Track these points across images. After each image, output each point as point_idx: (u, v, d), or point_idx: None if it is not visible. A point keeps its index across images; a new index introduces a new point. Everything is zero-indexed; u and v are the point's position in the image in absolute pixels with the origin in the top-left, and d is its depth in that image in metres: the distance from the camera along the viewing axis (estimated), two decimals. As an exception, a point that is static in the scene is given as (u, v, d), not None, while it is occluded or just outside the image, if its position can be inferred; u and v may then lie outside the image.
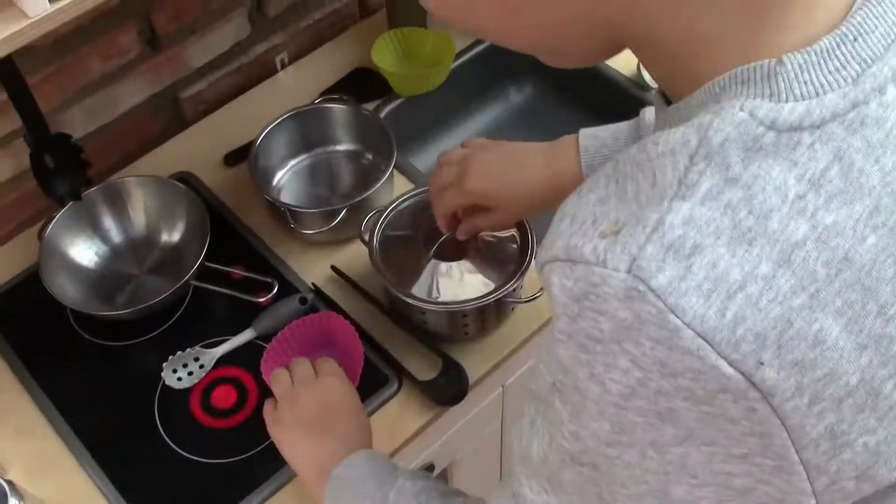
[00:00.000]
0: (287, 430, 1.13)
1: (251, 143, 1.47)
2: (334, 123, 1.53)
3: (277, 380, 1.17)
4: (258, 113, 1.59)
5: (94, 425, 1.30)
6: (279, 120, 1.49)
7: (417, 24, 1.66)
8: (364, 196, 1.39)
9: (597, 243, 0.61)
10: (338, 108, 1.53)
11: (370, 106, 1.61)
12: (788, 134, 0.59)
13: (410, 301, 1.28)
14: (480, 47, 1.71)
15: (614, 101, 1.66)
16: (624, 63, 1.67)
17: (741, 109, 0.59)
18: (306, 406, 1.13)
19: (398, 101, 1.64)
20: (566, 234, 0.64)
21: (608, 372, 0.61)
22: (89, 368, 1.37)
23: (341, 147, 1.56)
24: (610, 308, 0.59)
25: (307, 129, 1.53)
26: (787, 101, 0.59)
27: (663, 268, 0.57)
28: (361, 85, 1.63)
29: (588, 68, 1.64)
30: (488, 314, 1.33)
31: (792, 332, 0.57)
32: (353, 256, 1.44)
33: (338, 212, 1.39)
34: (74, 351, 1.38)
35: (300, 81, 1.71)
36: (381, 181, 1.41)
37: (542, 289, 1.30)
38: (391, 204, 1.35)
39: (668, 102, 0.69)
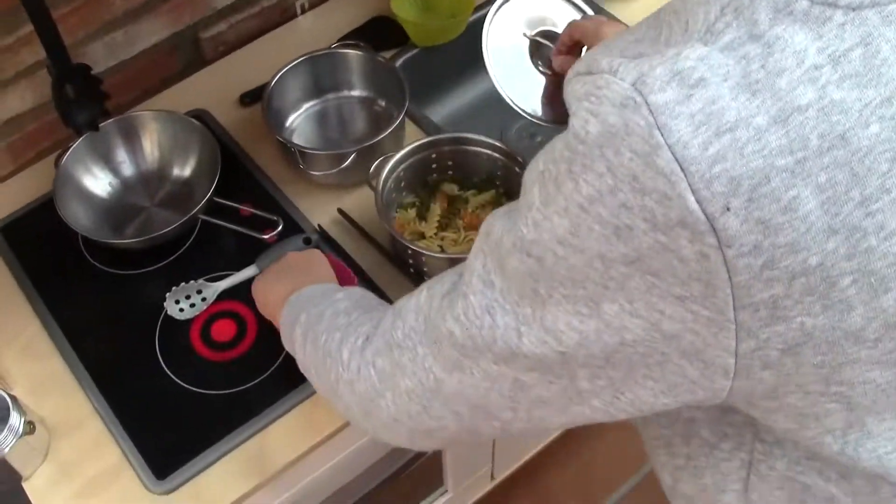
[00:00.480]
0: (262, 281, 1.23)
1: (266, 85, 1.49)
2: (349, 69, 1.55)
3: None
4: (276, 56, 1.61)
5: (96, 350, 1.34)
6: (294, 63, 1.51)
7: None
8: (374, 141, 1.41)
9: (614, 58, 0.63)
10: (353, 54, 1.54)
11: (387, 55, 1.62)
12: (821, 7, 0.60)
13: (413, 248, 1.30)
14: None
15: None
16: None
17: None
18: (283, 262, 1.23)
19: (414, 52, 1.64)
20: (592, 55, 0.66)
21: (584, 172, 0.63)
22: (96, 295, 1.40)
23: (355, 93, 1.58)
24: (603, 111, 0.62)
25: (321, 73, 1.54)
26: None
27: (665, 88, 0.60)
28: (379, 33, 1.64)
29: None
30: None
31: (767, 188, 0.58)
32: (361, 201, 1.46)
33: (346, 155, 1.40)
34: (83, 277, 1.41)
35: (319, 27, 1.72)
36: (392, 127, 1.42)
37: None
38: (401, 151, 1.37)
39: None
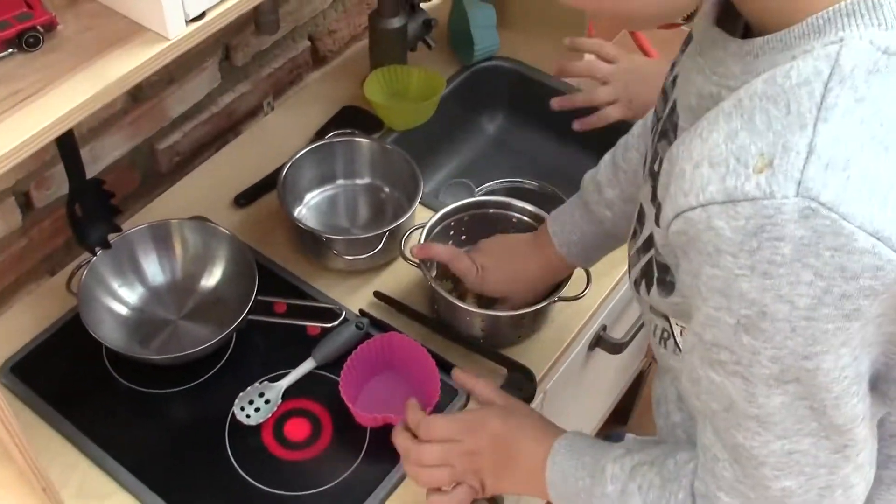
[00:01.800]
0: (497, 479, 1.12)
1: (277, 174, 1.46)
2: (355, 157, 1.54)
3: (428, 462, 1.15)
4: (253, 156, 1.60)
5: (164, 476, 1.24)
6: (302, 153, 1.48)
7: (398, 62, 1.69)
8: (405, 218, 1.40)
9: (757, 179, 0.67)
10: (355, 142, 1.54)
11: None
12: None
13: (475, 311, 1.30)
14: (455, 83, 1.75)
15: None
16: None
17: (861, 38, 0.68)
18: (482, 451, 1.12)
19: (393, 136, 1.65)
20: (714, 179, 0.69)
21: (794, 289, 0.67)
22: (144, 417, 1.30)
23: (361, 180, 1.56)
24: (788, 232, 0.65)
25: (327, 161, 1.53)
26: (893, 29, 0.68)
27: (827, 183, 0.65)
28: (352, 122, 1.64)
29: (559, 90, 1.74)
30: (543, 315, 1.36)
31: None
32: (392, 280, 1.45)
33: (380, 236, 1.39)
34: (119, 401, 1.32)
35: (289, 122, 1.70)
36: (414, 206, 1.42)
37: (588, 286, 1.35)
38: (429, 221, 1.38)
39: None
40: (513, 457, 1.08)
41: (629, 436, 2.25)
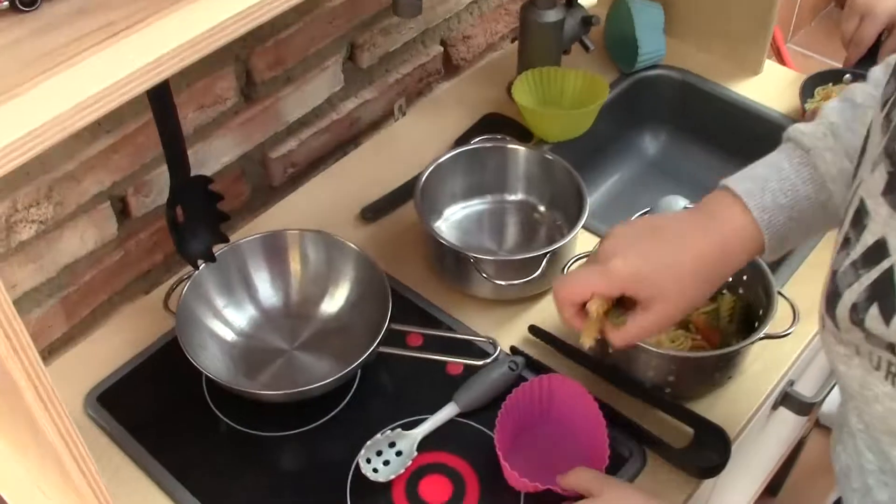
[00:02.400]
0: None
1: (413, 184, 1.22)
2: (507, 167, 1.31)
3: None
4: (378, 166, 1.39)
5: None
6: (444, 158, 1.26)
7: (552, 64, 1.45)
8: (566, 241, 1.16)
9: None
10: (520, 151, 1.30)
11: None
12: None
13: (657, 351, 1.04)
14: (614, 92, 1.51)
15: (765, 140, 1.47)
16: (780, 96, 1.49)
17: None
18: None
19: (544, 147, 1.41)
20: None
21: None
22: (250, 467, 1.07)
23: (511, 196, 1.33)
24: None
25: (469, 172, 1.29)
26: None
27: None
28: (498, 131, 1.40)
29: (735, 105, 1.50)
30: (742, 357, 1.10)
31: None
32: (547, 313, 1.20)
33: (539, 259, 1.14)
34: (220, 443, 1.09)
35: (421, 130, 1.47)
36: (578, 227, 1.17)
37: (795, 321, 1.09)
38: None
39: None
40: None
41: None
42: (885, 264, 0.66)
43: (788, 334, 1.09)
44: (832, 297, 0.72)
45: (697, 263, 0.88)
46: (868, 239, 0.68)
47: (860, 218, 0.70)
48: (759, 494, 1.89)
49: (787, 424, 1.54)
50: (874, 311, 0.67)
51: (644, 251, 0.88)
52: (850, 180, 0.86)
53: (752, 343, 1.06)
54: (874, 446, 0.79)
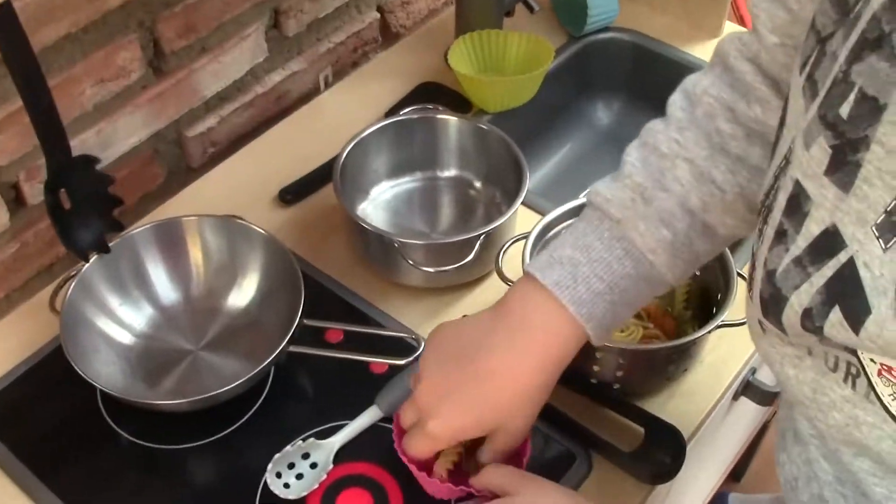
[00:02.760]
0: None
1: (334, 162, 1.09)
2: (436, 140, 1.17)
3: None
4: (302, 143, 1.26)
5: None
6: (368, 132, 1.12)
7: (492, 27, 1.32)
8: (503, 220, 1.03)
9: None
10: (451, 121, 1.16)
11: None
12: None
13: (610, 345, 0.91)
14: (561, 58, 1.38)
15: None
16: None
17: None
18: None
19: (484, 118, 1.28)
20: None
21: None
22: (151, 487, 0.94)
23: (443, 172, 1.19)
24: None
25: (397, 146, 1.16)
26: None
27: None
28: (434, 101, 1.27)
29: (694, 70, 1.37)
30: (693, 350, 0.97)
31: None
32: (482, 303, 1.07)
33: (471, 242, 1.02)
34: (118, 462, 0.96)
35: (350, 102, 1.34)
36: (516, 205, 1.05)
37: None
38: (536, 228, 1.00)
39: None
40: None
41: (732, 496, 1.84)
42: (841, 257, 0.54)
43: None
44: (773, 301, 0.60)
45: (523, 389, 0.79)
46: (813, 229, 0.56)
47: (798, 205, 0.58)
48: (723, 481, 1.78)
49: (749, 413, 1.42)
50: (835, 316, 0.54)
51: (459, 402, 0.79)
52: (669, 247, 0.76)
53: (710, 332, 0.93)
54: (830, 456, 0.67)
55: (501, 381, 0.78)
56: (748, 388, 1.20)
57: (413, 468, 0.87)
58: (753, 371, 1.19)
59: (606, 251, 0.76)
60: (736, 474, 1.86)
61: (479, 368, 0.78)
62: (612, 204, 0.77)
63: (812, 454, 0.70)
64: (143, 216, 1.20)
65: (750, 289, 0.65)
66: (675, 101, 0.80)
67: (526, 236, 1.01)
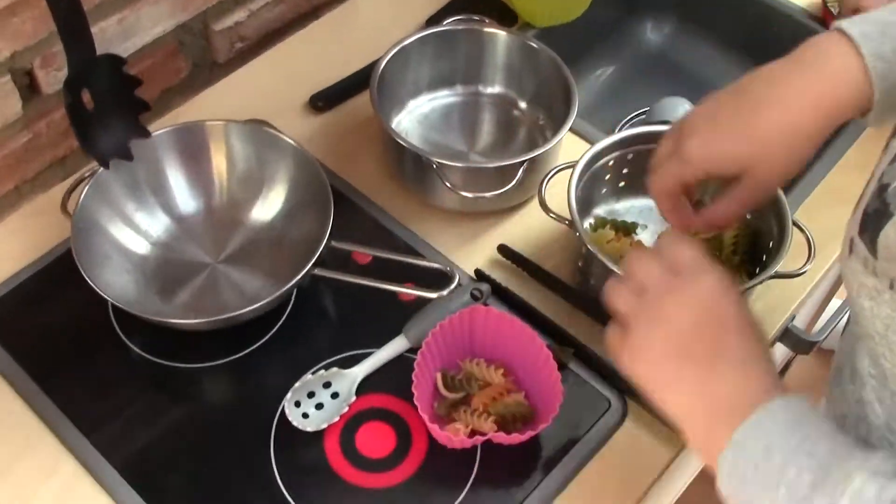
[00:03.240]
0: (655, 362, 0.66)
1: (372, 69, 1.00)
2: (482, 56, 1.09)
3: (617, 292, 0.70)
4: (332, 49, 1.17)
5: (178, 498, 0.83)
6: (409, 41, 1.04)
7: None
8: (548, 147, 0.96)
9: None
10: (499, 35, 1.07)
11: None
12: None
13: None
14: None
15: (782, 40, 1.26)
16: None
17: None
18: (677, 320, 0.66)
19: (530, 32, 1.19)
20: None
21: None
22: (159, 408, 0.89)
23: (486, 88, 1.11)
24: None
25: (439, 58, 1.08)
26: None
27: None
28: (478, 11, 1.17)
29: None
30: (747, 296, 0.91)
31: None
32: (522, 230, 1.00)
33: (514, 168, 0.94)
34: (126, 378, 0.91)
35: (384, 8, 1.25)
36: (564, 131, 0.97)
37: (811, 258, 0.91)
38: (584, 156, 0.94)
39: None
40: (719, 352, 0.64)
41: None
42: None
43: (803, 273, 0.90)
44: (875, 217, 0.56)
45: (791, 126, 0.71)
46: None
47: None
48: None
49: (778, 355, 1.36)
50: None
51: (722, 122, 0.73)
52: None
53: (760, 283, 0.87)
54: (887, 400, 0.63)
55: (769, 112, 0.71)
56: (786, 335, 1.14)
57: (422, 410, 0.81)
58: (793, 317, 1.13)
59: None
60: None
61: (752, 97, 0.72)
62: None
63: (867, 395, 0.66)
64: (163, 112, 1.12)
65: (858, 204, 0.59)
66: None
67: (572, 165, 0.94)
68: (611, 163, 0.98)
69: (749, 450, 0.58)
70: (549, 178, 0.96)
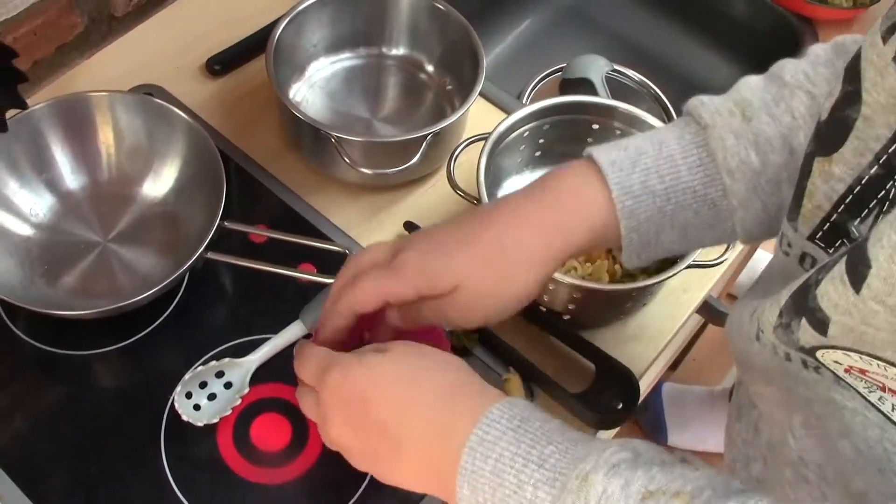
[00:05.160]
0: (361, 434, 0.58)
1: (269, 32, 0.93)
2: (379, 13, 1.02)
3: (302, 398, 0.64)
4: (236, 4, 1.08)
5: (61, 495, 0.77)
6: (308, 3, 0.96)
7: None
8: (454, 119, 0.89)
9: None
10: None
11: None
12: None
13: (563, 281, 0.80)
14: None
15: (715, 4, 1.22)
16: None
17: None
18: (348, 447, 0.60)
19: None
20: None
21: None
22: (41, 397, 0.82)
23: (390, 50, 1.04)
24: None
25: (339, 18, 1.01)
26: None
27: None
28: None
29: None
30: (655, 288, 0.86)
31: None
32: (427, 205, 0.95)
33: (418, 142, 0.88)
34: (10, 365, 0.83)
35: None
36: (472, 99, 0.90)
37: (729, 246, 0.86)
38: (498, 128, 0.87)
39: None
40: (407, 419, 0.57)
41: (667, 385, 1.78)
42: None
43: (723, 261, 0.86)
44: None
45: (511, 253, 0.62)
46: None
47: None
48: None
49: (695, 321, 1.33)
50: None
51: (442, 238, 0.64)
52: (752, 177, 0.60)
53: (673, 276, 0.82)
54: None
55: (496, 230, 0.62)
56: (704, 308, 1.10)
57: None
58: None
59: (680, 154, 0.62)
60: (674, 362, 1.80)
61: (484, 219, 0.63)
62: (706, 108, 0.63)
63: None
64: (58, 70, 1.03)
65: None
66: (820, 46, 0.66)
67: (484, 138, 0.88)
68: (525, 133, 0.92)
69: (480, 476, 0.52)
70: (458, 154, 0.90)
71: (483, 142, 0.87)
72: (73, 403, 0.81)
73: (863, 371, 0.46)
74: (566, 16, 1.30)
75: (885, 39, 0.48)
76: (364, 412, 0.57)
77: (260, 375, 0.81)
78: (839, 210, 0.50)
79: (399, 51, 1.03)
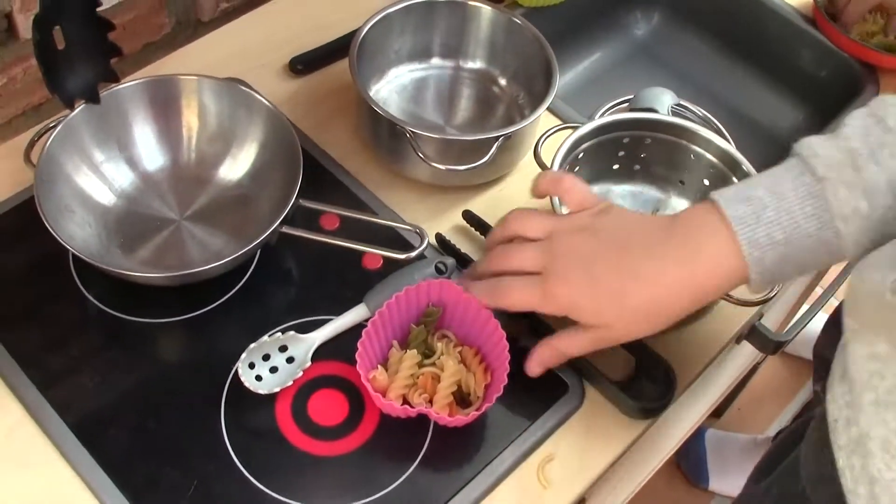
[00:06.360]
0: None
1: (353, 36, 0.95)
2: (466, 30, 1.04)
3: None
4: (325, 7, 1.11)
5: (124, 454, 0.78)
6: (389, 11, 0.98)
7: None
8: (526, 123, 0.91)
9: None
10: (483, 9, 1.02)
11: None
12: None
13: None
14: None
15: (771, 39, 1.22)
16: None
17: None
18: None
19: (516, 12, 1.14)
20: None
21: None
22: (114, 361, 0.84)
23: (468, 63, 1.06)
24: None
25: (423, 30, 1.03)
26: None
27: None
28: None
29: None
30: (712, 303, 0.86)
31: None
32: (491, 203, 0.96)
33: (489, 143, 0.89)
34: (83, 330, 0.85)
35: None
36: (542, 109, 0.92)
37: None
38: (569, 138, 0.89)
39: None
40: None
41: (709, 432, 1.75)
42: None
43: (770, 298, 0.86)
44: None
45: (657, 307, 0.74)
46: None
47: None
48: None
49: (745, 355, 1.32)
50: None
51: (598, 278, 0.74)
52: (863, 221, 0.68)
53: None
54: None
55: (644, 287, 0.72)
56: (752, 333, 1.09)
57: (365, 378, 0.77)
58: (760, 316, 1.08)
59: (798, 205, 0.69)
60: (717, 410, 1.78)
61: (630, 264, 0.73)
62: (820, 160, 0.69)
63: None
64: (143, 66, 1.07)
65: None
66: None
67: (573, 127, 0.90)
68: (594, 146, 0.93)
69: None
70: (546, 138, 0.92)
71: (571, 130, 0.89)
72: (140, 369, 0.82)
73: None
74: (636, 51, 1.32)
75: None
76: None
77: (322, 353, 0.83)
78: None
79: (476, 64, 1.05)
